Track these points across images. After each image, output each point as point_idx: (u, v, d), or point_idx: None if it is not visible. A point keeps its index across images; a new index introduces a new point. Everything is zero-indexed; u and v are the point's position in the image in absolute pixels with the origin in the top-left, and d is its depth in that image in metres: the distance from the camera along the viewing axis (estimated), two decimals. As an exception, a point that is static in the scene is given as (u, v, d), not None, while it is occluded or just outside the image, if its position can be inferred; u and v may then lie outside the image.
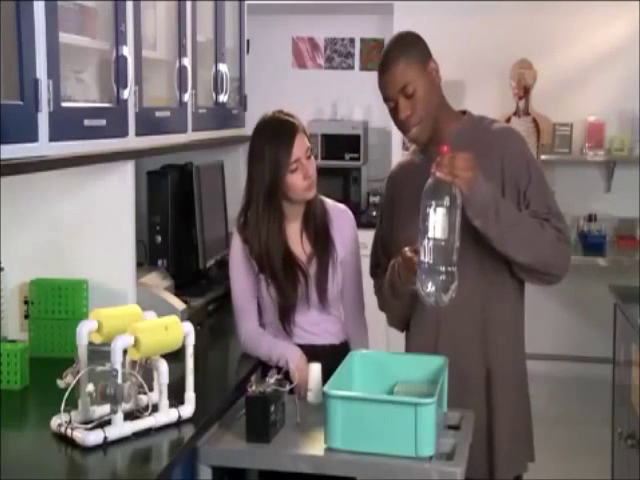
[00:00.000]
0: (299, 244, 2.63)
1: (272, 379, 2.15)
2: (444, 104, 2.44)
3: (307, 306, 2.61)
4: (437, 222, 2.09)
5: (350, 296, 2.69)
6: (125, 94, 2.48)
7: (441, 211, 2.09)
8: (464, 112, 2.50)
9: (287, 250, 2.59)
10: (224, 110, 3.46)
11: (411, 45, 2.40)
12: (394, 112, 2.39)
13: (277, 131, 2.55)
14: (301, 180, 2.54)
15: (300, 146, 2.54)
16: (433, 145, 2.40)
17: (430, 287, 2.12)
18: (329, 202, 2.70)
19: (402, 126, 2.39)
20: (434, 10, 5.56)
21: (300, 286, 2.58)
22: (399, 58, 2.36)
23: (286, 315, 2.60)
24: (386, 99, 2.40)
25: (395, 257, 2.38)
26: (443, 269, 2.11)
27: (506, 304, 2.43)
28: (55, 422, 1.99)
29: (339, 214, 2.69)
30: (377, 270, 2.59)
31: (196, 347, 2.15)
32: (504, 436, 2.41)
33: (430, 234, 2.10)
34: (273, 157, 2.52)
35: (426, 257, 2.11)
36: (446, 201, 2.10)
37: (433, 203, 2.10)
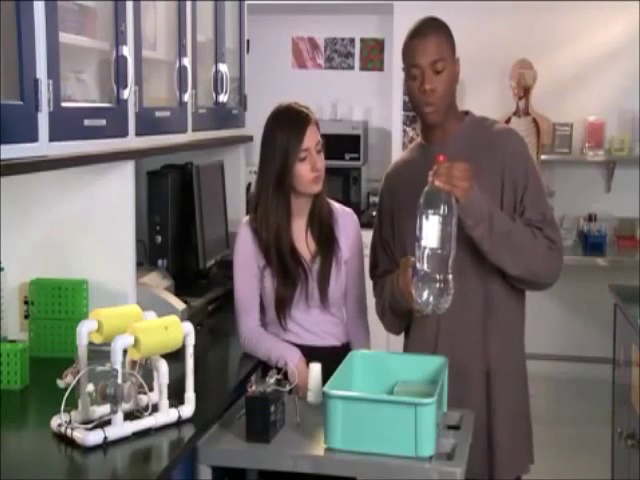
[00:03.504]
0: (304, 241, 2.63)
1: (272, 379, 2.15)
2: (455, 102, 2.43)
3: (307, 304, 2.61)
4: (433, 230, 2.10)
5: (352, 298, 2.68)
6: (125, 94, 2.48)
7: (437, 219, 2.10)
8: (466, 112, 2.50)
9: (291, 245, 2.60)
10: (224, 110, 3.46)
11: (448, 29, 2.39)
12: (415, 82, 2.32)
13: (291, 119, 2.56)
14: (308, 171, 2.54)
15: (311, 137, 2.56)
16: (435, 143, 2.40)
17: (426, 295, 2.13)
18: (336, 204, 2.72)
19: (421, 97, 2.33)
20: (434, 10, 5.42)
21: (300, 281, 2.58)
22: (439, 31, 2.35)
23: (282, 307, 2.60)
24: (412, 65, 2.32)
25: (397, 256, 2.39)
26: (439, 277, 2.12)
27: (507, 305, 2.43)
28: (55, 422, 1.99)
29: (344, 216, 2.70)
30: (375, 271, 2.60)
31: (196, 347, 2.15)
32: (504, 437, 2.41)
33: (426, 242, 2.10)
34: (284, 142, 2.52)
35: (422, 265, 2.12)
36: (442, 210, 2.10)
37: (430, 211, 2.10)
